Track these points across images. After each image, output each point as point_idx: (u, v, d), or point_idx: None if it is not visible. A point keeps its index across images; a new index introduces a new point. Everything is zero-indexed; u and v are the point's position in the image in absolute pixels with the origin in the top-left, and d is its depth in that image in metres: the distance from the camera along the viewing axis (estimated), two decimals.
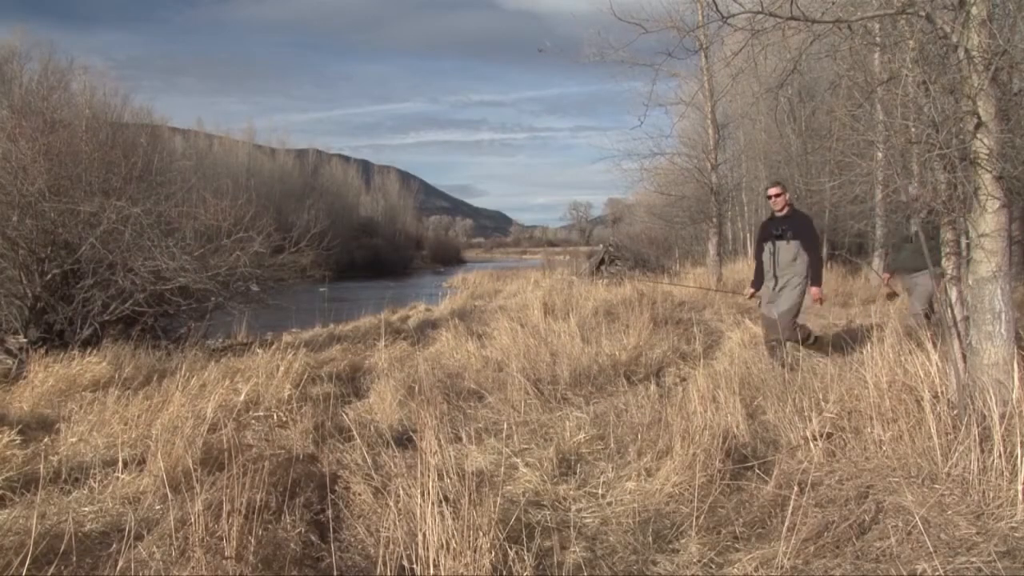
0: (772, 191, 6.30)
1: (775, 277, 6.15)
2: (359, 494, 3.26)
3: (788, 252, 6.11)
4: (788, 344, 5.97)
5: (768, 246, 6.20)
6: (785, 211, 6.22)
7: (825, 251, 17.55)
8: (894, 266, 7.37)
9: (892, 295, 7.37)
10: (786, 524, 2.67)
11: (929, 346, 3.94)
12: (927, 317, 6.58)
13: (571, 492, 3.43)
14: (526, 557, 2.51)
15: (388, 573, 2.46)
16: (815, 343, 6.22)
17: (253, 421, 4.79)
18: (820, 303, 6.25)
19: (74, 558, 2.60)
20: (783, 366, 5.42)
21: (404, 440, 4.15)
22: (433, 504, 2.55)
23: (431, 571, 2.41)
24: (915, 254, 6.57)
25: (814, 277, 6.09)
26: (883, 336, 4.73)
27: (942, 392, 3.64)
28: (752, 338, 7.24)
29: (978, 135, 3.60)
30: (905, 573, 2.47)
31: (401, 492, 2.86)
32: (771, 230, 6.24)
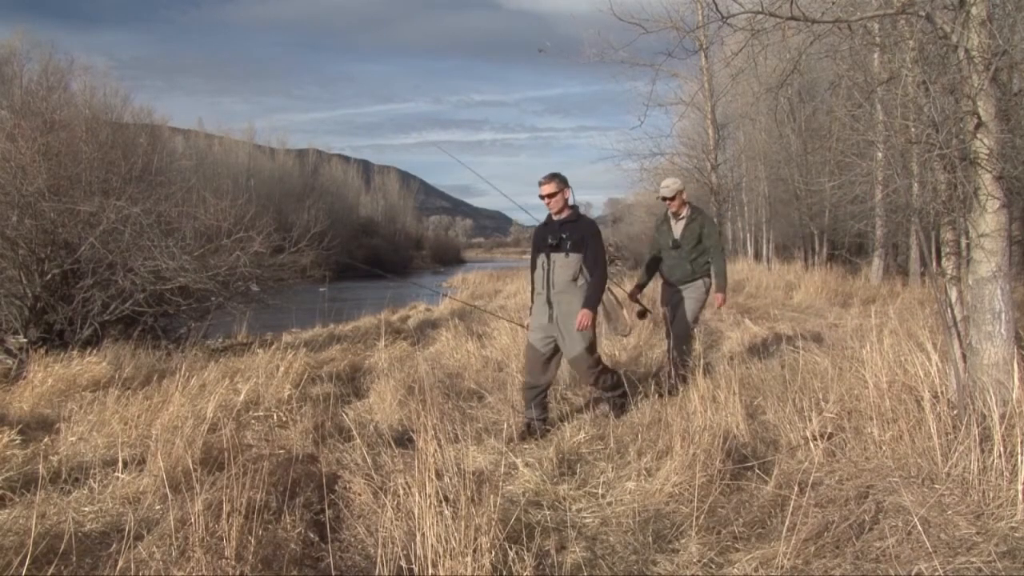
0: (545, 188, 4.60)
1: (548, 303, 4.57)
2: (359, 494, 3.26)
3: (566, 269, 4.56)
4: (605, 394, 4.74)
5: (541, 259, 4.66)
6: (565, 214, 4.64)
7: (825, 251, 17.63)
8: (647, 278, 5.98)
9: (643, 313, 5.79)
10: (786, 524, 2.67)
11: (929, 346, 3.95)
12: (680, 357, 5.21)
13: (571, 492, 3.43)
14: (526, 557, 2.51)
15: (388, 573, 2.46)
16: (621, 394, 4.73)
17: (253, 421, 4.79)
18: (583, 328, 4.45)
19: (74, 558, 2.60)
20: (532, 433, 4.44)
21: (404, 440, 4.14)
22: (433, 504, 2.55)
23: (430, 571, 2.41)
24: (680, 260, 5.67)
25: (587, 298, 4.49)
26: (883, 336, 4.73)
27: (942, 392, 3.64)
28: (752, 338, 7.24)
29: (978, 135, 3.61)
30: (905, 573, 2.47)
31: (401, 492, 2.86)
32: (546, 238, 4.65)
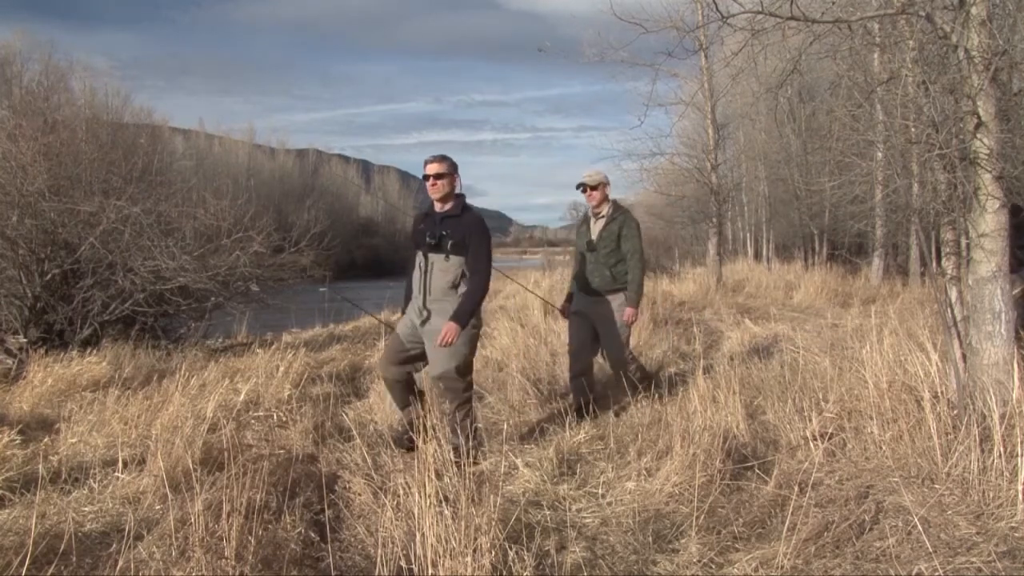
0: (432, 167, 3.95)
1: (426, 309, 3.94)
2: (359, 494, 3.26)
3: (445, 274, 3.91)
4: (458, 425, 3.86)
5: (419, 259, 4.03)
6: (448, 205, 3.98)
7: (825, 251, 17.63)
8: (574, 286, 5.20)
9: None
10: (786, 524, 2.67)
11: (929, 346, 3.95)
12: (627, 378, 4.69)
13: (571, 492, 3.43)
14: (526, 557, 2.51)
15: (388, 573, 2.46)
16: (474, 434, 3.93)
17: (253, 421, 4.79)
18: (445, 344, 3.76)
19: (74, 558, 2.60)
20: (402, 444, 4.00)
21: (404, 440, 4.14)
22: (432, 504, 2.55)
23: (430, 571, 2.41)
24: (597, 265, 4.92)
25: (457, 310, 3.81)
26: (883, 336, 4.73)
27: (942, 392, 3.64)
28: (752, 338, 7.24)
29: (978, 135, 3.61)
30: (905, 573, 2.47)
31: (401, 492, 2.86)
32: (425, 234, 4.00)
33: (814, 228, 17.70)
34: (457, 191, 4.07)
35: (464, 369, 3.93)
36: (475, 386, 5.54)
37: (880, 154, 6.85)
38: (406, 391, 4.11)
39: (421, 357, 4.07)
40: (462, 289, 3.93)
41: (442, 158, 4.01)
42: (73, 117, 10.23)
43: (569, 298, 5.18)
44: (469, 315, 3.86)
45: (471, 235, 3.92)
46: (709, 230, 16.09)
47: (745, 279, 15.63)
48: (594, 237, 4.96)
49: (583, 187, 4.95)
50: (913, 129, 4.19)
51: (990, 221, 3.65)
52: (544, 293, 11.94)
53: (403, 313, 4.23)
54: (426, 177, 3.97)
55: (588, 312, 4.95)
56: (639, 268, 4.89)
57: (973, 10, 3.56)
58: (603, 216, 4.96)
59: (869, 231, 14.75)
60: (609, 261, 4.90)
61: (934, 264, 5.53)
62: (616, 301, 4.89)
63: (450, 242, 3.90)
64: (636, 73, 16.60)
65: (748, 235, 24.41)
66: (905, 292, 11.53)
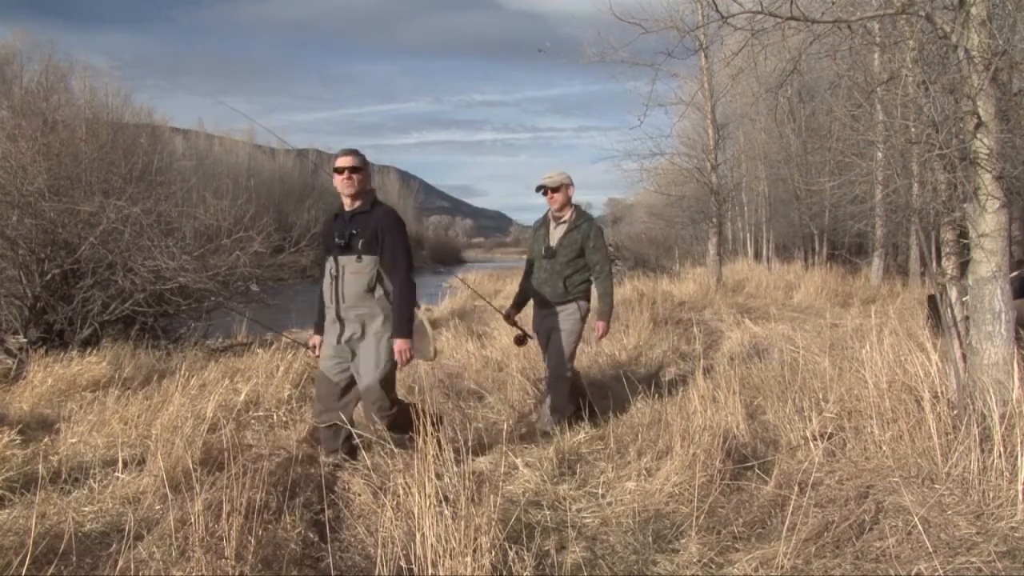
0: (343, 160, 3.67)
1: (338, 320, 3.67)
2: (359, 494, 3.26)
3: (359, 277, 3.60)
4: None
5: (329, 264, 3.70)
6: (359, 203, 3.67)
7: (825, 251, 17.63)
8: (524, 295, 4.85)
9: (521, 339, 4.85)
10: (786, 524, 2.67)
11: (929, 346, 3.95)
12: (554, 403, 4.50)
13: (571, 492, 3.43)
14: (526, 557, 2.51)
15: (388, 573, 2.46)
16: (410, 437, 3.66)
17: (253, 421, 4.80)
18: (403, 360, 3.63)
19: (74, 558, 2.60)
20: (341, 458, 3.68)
21: (404, 440, 4.14)
22: (432, 504, 2.55)
23: (430, 571, 2.41)
24: (551, 274, 4.56)
25: (396, 323, 3.59)
26: (883, 336, 4.73)
27: (942, 392, 3.64)
28: (752, 338, 7.24)
29: (978, 135, 3.61)
30: (905, 573, 2.47)
31: (400, 492, 2.86)
32: (334, 235, 3.69)
33: (814, 228, 17.71)
34: (368, 187, 3.76)
35: (388, 383, 3.62)
36: (475, 385, 5.61)
37: (880, 154, 6.86)
38: (337, 437, 3.74)
39: (352, 386, 3.71)
40: (379, 292, 3.57)
41: (355, 152, 3.72)
42: (73, 117, 10.24)
43: (515, 304, 4.82)
44: (408, 321, 3.57)
45: (383, 230, 3.56)
46: (709, 230, 16.09)
47: (745, 279, 15.64)
48: (553, 243, 4.57)
49: (543, 189, 4.58)
50: (913, 129, 4.19)
51: (990, 221, 3.66)
52: None
53: (316, 331, 3.92)
54: (339, 171, 3.62)
55: (545, 326, 4.64)
56: (609, 280, 4.59)
57: (973, 10, 3.56)
58: (565, 221, 4.57)
59: (869, 231, 14.76)
60: (566, 271, 4.52)
61: (934, 264, 5.53)
62: (566, 311, 4.54)
63: (360, 241, 3.56)
64: (636, 73, 16.59)
65: (748, 235, 24.42)
66: (905, 292, 11.54)
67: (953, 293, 4.35)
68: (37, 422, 4.75)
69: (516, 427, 4.58)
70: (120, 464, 3.57)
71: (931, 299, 7.23)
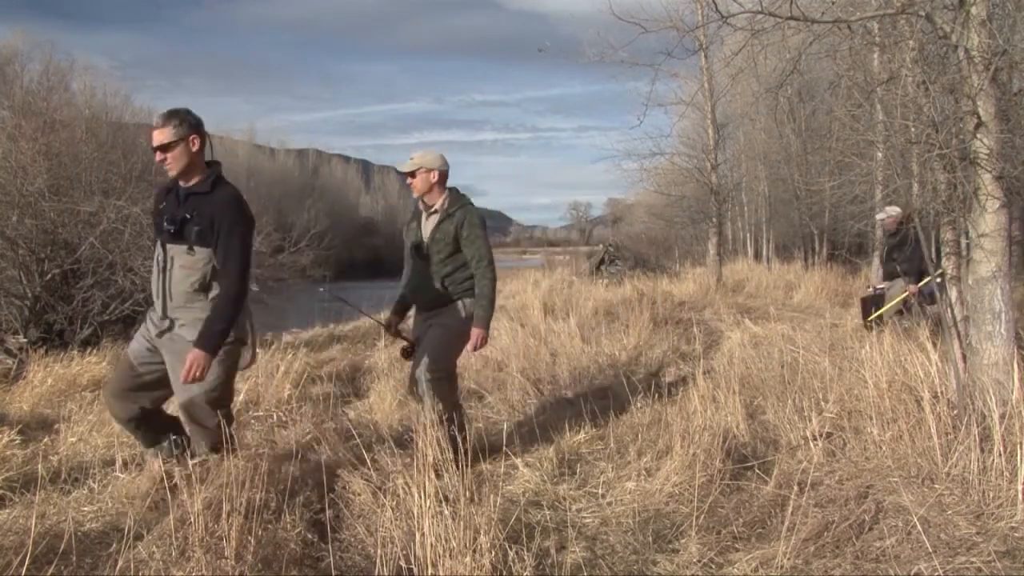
0: (157, 135, 2.99)
1: (167, 319, 3.07)
2: (359, 494, 3.26)
3: (190, 272, 3.00)
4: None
5: (157, 251, 3.10)
6: (195, 180, 3.03)
7: (825, 251, 17.63)
8: (404, 301, 4.17)
9: (409, 351, 4.05)
10: (786, 524, 2.67)
11: (929, 346, 3.95)
12: (443, 418, 3.61)
13: (571, 492, 3.43)
14: (526, 557, 2.51)
15: (387, 573, 2.46)
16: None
17: (253, 421, 4.79)
18: (192, 380, 2.91)
19: (74, 558, 2.60)
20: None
21: (404, 440, 4.14)
22: (432, 504, 2.55)
23: (430, 571, 2.41)
24: (429, 277, 3.88)
25: (203, 334, 2.91)
26: (883, 336, 4.73)
27: (942, 392, 3.64)
28: (752, 338, 7.23)
29: (978, 135, 3.61)
30: (905, 573, 2.47)
31: (400, 492, 2.86)
32: (163, 217, 3.07)
33: (814, 228, 17.70)
34: (208, 159, 3.07)
35: (217, 398, 3.03)
36: (475, 385, 5.59)
37: (880, 154, 6.86)
38: (151, 428, 3.20)
39: (162, 383, 3.11)
40: (214, 293, 2.97)
41: (170, 116, 2.97)
42: (73, 117, 10.23)
43: (396, 311, 4.12)
44: (220, 336, 2.90)
45: (220, 219, 2.93)
46: (709, 230, 16.09)
47: (745, 279, 15.63)
48: (425, 237, 3.88)
49: (405, 175, 3.94)
50: (913, 129, 4.19)
51: (990, 221, 3.66)
52: (543, 293, 11.96)
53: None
54: (153, 149, 2.98)
55: (425, 333, 3.95)
56: (489, 279, 3.80)
57: (973, 10, 3.56)
58: (436, 211, 3.86)
59: (869, 231, 14.74)
60: (443, 269, 3.82)
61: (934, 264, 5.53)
62: (449, 310, 3.84)
63: (195, 229, 2.92)
64: (636, 73, 16.59)
65: (748, 235, 24.41)
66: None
67: (953, 293, 4.35)
68: (37, 422, 4.75)
69: (516, 427, 4.58)
70: (120, 464, 3.57)
71: (864, 300, 7.36)
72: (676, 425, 3.76)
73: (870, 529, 2.81)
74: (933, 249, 4.92)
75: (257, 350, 3.59)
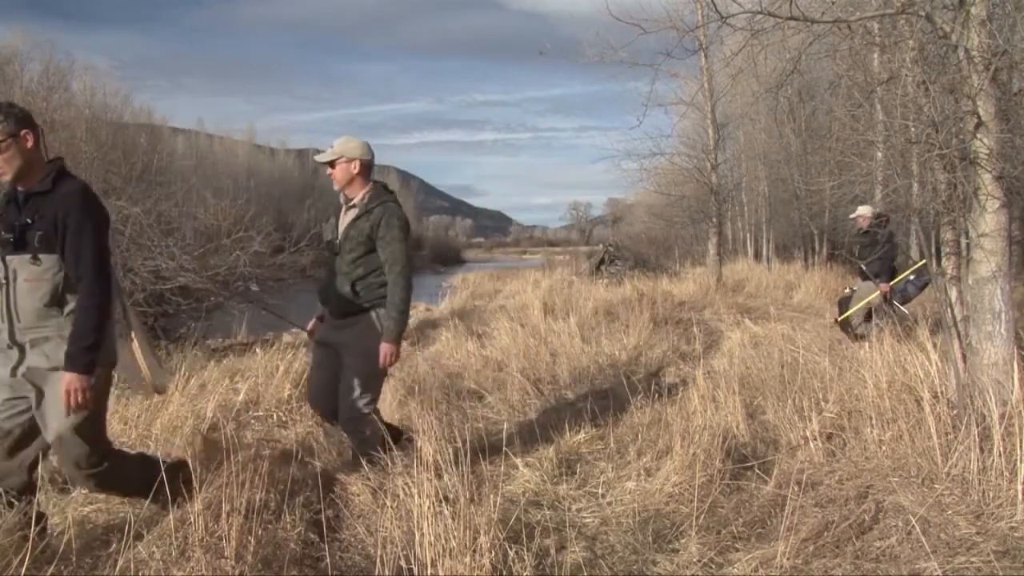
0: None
1: (14, 345, 2.57)
2: (358, 494, 3.26)
3: (37, 286, 2.54)
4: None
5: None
6: (34, 180, 2.59)
7: (825, 251, 17.63)
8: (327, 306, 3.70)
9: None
10: (785, 524, 2.67)
11: (929, 346, 3.95)
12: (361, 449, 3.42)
13: (571, 492, 3.43)
14: (526, 557, 2.51)
15: (387, 573, 2.46)
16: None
17: (253, 421, 4.79)
18: (75, 403, 2.49)
19: (74, 558, 2.60)
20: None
21: (404, 440, 4.14)
22: (432, 504, 2.55)
23: (430, 571, 2.41)
24: (341, 277, 3.51)
25: (69, 355, 2.49)
26: (883, 336, 4.74)
27: (942, 392, 3.64)
28: (752, 338, 7.24)
29: (978, 135, 3.61)
30: (905, 573, 2.47)
31: (400, 492, 2.87)
32: (1, 228, 2.59)
33: (814, 228, 17.70)
34: (48, 158, 2.66)
35: (90, 430, 2.59)
36: (475, 385, 5.59)
37: (880, 154, 6.86)
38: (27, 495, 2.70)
39: (33, 433, 2.61)
40: (71, 307, 2.54)
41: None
42: (73, 117, 10.24)
43: (320, 316, 3.76)
44: (89, 352, 2.49)
45: (64, 217, 2.51)
46: (709, 230, 16.08)
47: (745, 279, 15.63)
48: (340, 234, 3.54)
49: (326, 165, 3.62)
50: (913, 129, 4.19)
51: (990, 221, 3.66)
52: (543, 293, 11.96)
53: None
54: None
55: (332, 341, 3.57)
56: (401, 287, 3.41)
57: (973, 10, 3.56)
58: (355, 205, 3.53)
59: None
60: (355, 270, 3.46)
61: (934, 264, 5.53)
62: (361, 324, 3.45)
63: (37, 234, 2.50)
64: (637, 73, 16.60)
65: (748, 235, 24.41)
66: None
67: (953, 293, 4.35)
68: None
69: (516, 427, 4.58)
70: None
71: (840, 302, 7.39)
72: (676, 425, 3.76)
73: (870, 529, 2.81)
74: (933, 249, 4.93)
75: (168, 376, 3.32)
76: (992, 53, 3.54)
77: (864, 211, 7.56)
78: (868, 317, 7.15)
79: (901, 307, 7.01)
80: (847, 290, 7.95)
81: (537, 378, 5.58)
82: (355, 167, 3.52)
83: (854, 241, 7.72)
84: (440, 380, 5.84)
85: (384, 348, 3.38)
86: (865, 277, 7.28)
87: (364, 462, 3.31)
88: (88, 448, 2.61)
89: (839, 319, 7.31)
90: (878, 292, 7.03)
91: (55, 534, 2.76)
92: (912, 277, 7.18)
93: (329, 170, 3.59)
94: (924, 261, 7.90)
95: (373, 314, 3.46)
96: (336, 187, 3.58)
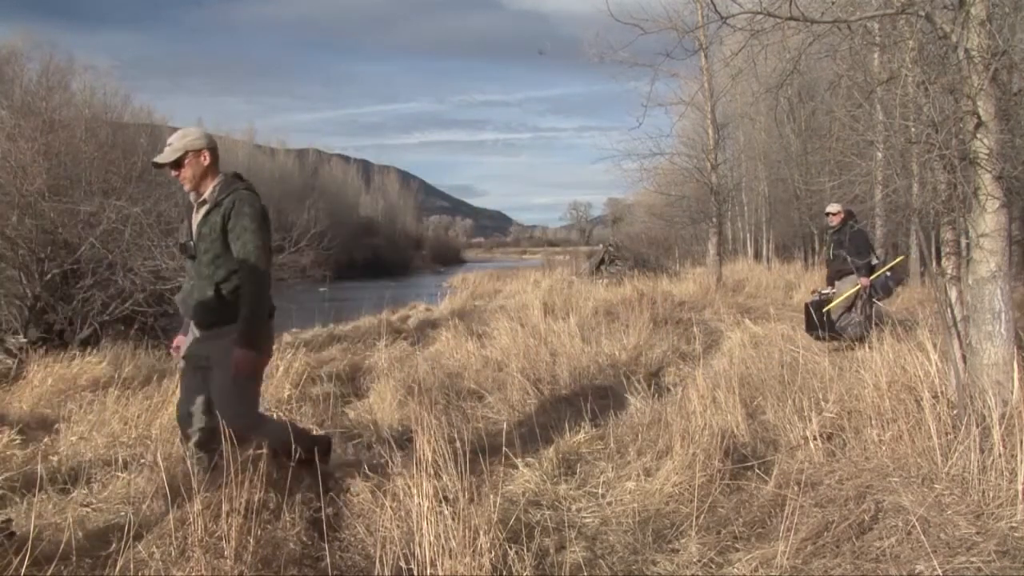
0: None
1: None
2: (358, 493, 3.26)
3: None
4: None
5: None
6: None
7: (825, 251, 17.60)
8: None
9: None
10: (785, 524, 2.67)
11: (929, 346, 3.95)
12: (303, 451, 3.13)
13: (571, 492, 3.43)
14: (526, 557, 2.51)
15: (387, 572, 2.46)
16: None
17: None
18: None
19: (74, 558, 2.60)
20: None
21: (404, 440, 4.14)
22: (432, 504, 2.55)
23: (430, 570, 2.41)
24: (200, 283, 3.17)
25: None
26: (883, 336, 4.73)
27: (942, 392, 3.64)
28: (752, 338, 7.24)
29: (978, 135, 3.61)
30: (905, 573, 2.47)
31: (400, 492, 2.86)
32: None
33: (814, 228, 17.71)
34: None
35: None
36: (475, 385, 5.60)
37: (880, 154, 6.86)
38: None
39: None
40: None
41: None
42: (73, 117, 10.24)
43: (184, 331, 3.41)
44: None
45: None
46: (709, 230, 16.09)
47: (745, 279, 15.63)
48: (194, 233, 3.18)
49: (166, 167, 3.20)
50: (913, 129, 4.19)
51: (990, 221, 3.66)
52: (543, 293, 11.96)
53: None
54: None
55: (200, 355, 3.21)
56: (252, 282, 3.06)
57: (973, 10, 3.56)
58: (205, 201, 3.16)
59: (869, 231, 14.76)
60: (216, 273, 3.09)
61: (934, 264, 5.53)
62: (229, 339, 3.07)
63: None
64: (637, 73, 16.61)
65: (748, 235, 24.42)
66: (905, 292, 11.53)
67: (953, 293, 4.35)
68: (37, 422, 4.75)
69: (516, 427, 4.58)
70: (120, 464, 3.57)
71: (807, 307, 7.35)
72: (676, 425, 3.76)
73: (870, 529, 2.81)
74: (933, 249, 4.93)
75: None
76: (992, 53, 3.54)
77: (834, 208, 7.54)
78: (848, 311, 7.13)
79: (879, 304, 7.00)
80: (815, 293, 7.86)
81: (537, 378, 5.58)
82: (205, 158, 3.18)
83: (829, 240, 7.73)
84: (440, 380, 5.84)
85: (235, 355, 2.99)
86: (842, 276, 7.26)
87: (282, 453, 3.11)
88: None
89: (824, 310, 7.16)
90: (858, 287, 7.01)
91: (55, 534, 2.76)
92: (889, 273, 7.18)
93: (174, 172, 3.18)
94: (901, 257, 7.86)
95: (236, 326, 3.09)
96: (188, 187, 3.20)
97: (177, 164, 3.15)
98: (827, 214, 7.68)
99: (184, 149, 3.13)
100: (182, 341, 3.36)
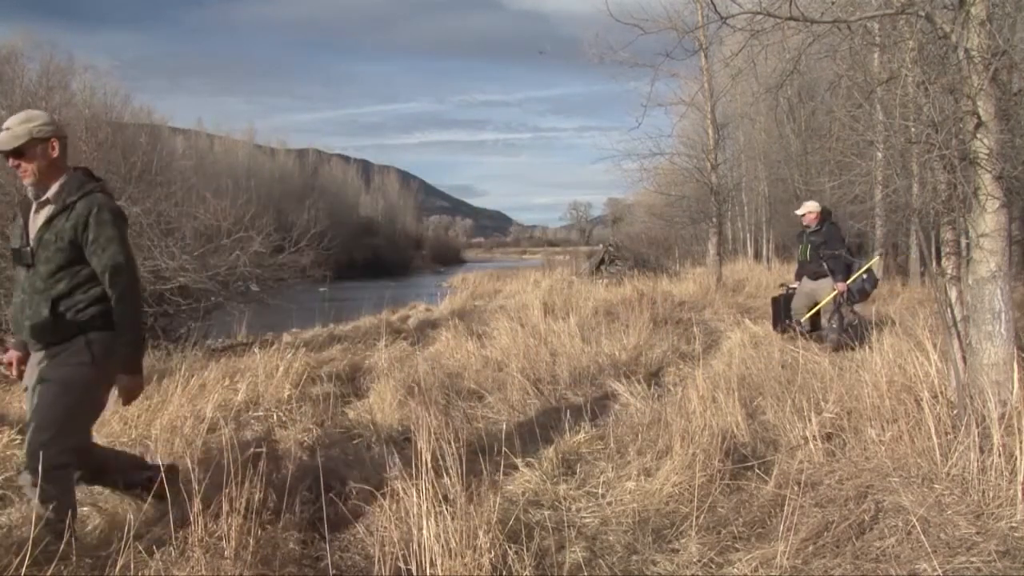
0: None
1: None
2: (358, 493, 3.26)
3: None
4: None
5: None
6: None
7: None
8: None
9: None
10: (785, 524, 2.67)
11: (929, 346, 3.95)
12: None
13: (571, 492, 3.43)
14: (526, 557, 2.51)
15: (387, 572, 2.46)
16: None
17: (253, 421, 4.79)
18: None
19: (74, 558, 2.60)
20: None
21: (403, 440, 4.14)
22: (432, 504, 2.55)
23: (429, 570, 2.41)
24: (35, 297, 2.66)
25: None
26: (883, 336, 4.74)
27: (942, 392, 3.64)
28: (752, 338, 7.24)
29: (978, 135, 3.61)
30: (905, 573, 2.47)
31: (400, 492, 2.86)
32: None
33: None
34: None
35: None
36: (475, 385, 5.59)
37: (880, 154, 6.86)
38: None
39: None
40: None
41: None
42: (73, 117, 10.24)
43: (19, 345, 2.88)
44: None
45: None
46: (709, 230, 16.08)
47: (745, 279, 15.63)
48: (31, 240, 2.68)
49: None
50: (913, 129, 4.19)
51: (990, 221, 3.66)
52: (543, 293, 11.96)
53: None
54: None
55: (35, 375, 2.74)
56: (129, 301, 2.68)
57: (973, 10, 3.56)
58: (49, 201, 2.68)
59: (869, 231, 14.76)
60: (55, 288, 2.64)
61: (934, 264, 5.54)
62: (67, 352, 2.66)
63: None
64: (637, 73, 16.63)
65: (748, 235, 24.42)
66: (905, 292, 11.53)
67: (953, 293, 4.35)
68: None
69: (516, 427, 4.58)
70: None
71: (775, 301, 7.25)
72: (676, 425, 3.76)
73: (870, 529, 2.81)
74: (933, 249, 4.93)
75: None
76: (992, 53, 3.54)
77: (812, 207, 7.24)
78: (818, 316, 7.05)
79: (854, 309, 6.93)
80: (783, 288, 7.69)
81: (537, 378, 5.58)
82: (54, 149, 2.68)
83: (805, 240, 7.40)
84: (440, 380, 5.83)
85: (122, 381, 2.69)
86: (815, 276, 7.14)
87: (45, 526, 2.52)
88: None
89: (804, 319, 7.05)
90: (835, 292, 6.91)
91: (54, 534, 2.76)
92: (866, 276, 7.06)
93: (13, 162, 2.66)
94: (876, 259, 7.79)
95: (83, 339, 2.65)
96: (29, 182, 2.67)
97: (18, 153, 2.62)
98: (802, 215, 7.32)
99: (28, 136, 2.62)
100: (15, 357, 2.88)
